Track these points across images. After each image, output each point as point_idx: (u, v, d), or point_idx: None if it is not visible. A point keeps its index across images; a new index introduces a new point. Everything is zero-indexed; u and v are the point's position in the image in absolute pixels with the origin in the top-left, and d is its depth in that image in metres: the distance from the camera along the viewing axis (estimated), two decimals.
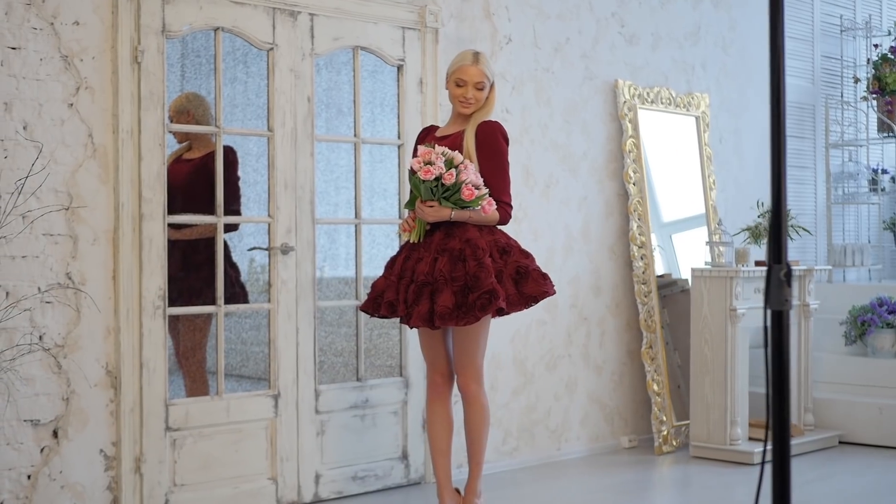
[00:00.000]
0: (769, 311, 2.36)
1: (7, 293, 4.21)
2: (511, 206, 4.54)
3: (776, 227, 2.39)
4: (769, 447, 2.37)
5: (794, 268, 2.17)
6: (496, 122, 4.58)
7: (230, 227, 5.19)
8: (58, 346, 4.34)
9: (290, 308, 5.04)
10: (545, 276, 4.45)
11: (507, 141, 4.57)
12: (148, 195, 4.56)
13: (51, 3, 4.33)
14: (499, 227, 4.54)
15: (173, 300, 4.77)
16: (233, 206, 5.07)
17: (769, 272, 2.37)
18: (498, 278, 4.34)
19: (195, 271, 5.10)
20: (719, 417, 6.15)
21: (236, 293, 5.21)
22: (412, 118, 5.48)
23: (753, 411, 6.59)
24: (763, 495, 2.45)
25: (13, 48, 4.24)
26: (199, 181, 5.04)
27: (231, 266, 5.25)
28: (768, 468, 2.37)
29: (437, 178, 4.31)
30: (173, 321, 5.09)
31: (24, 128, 4.26)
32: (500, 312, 4.37)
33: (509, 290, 4.36)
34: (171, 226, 4.77)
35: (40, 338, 4.29)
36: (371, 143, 5.54)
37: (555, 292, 4.49)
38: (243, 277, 5.48)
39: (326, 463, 5.16)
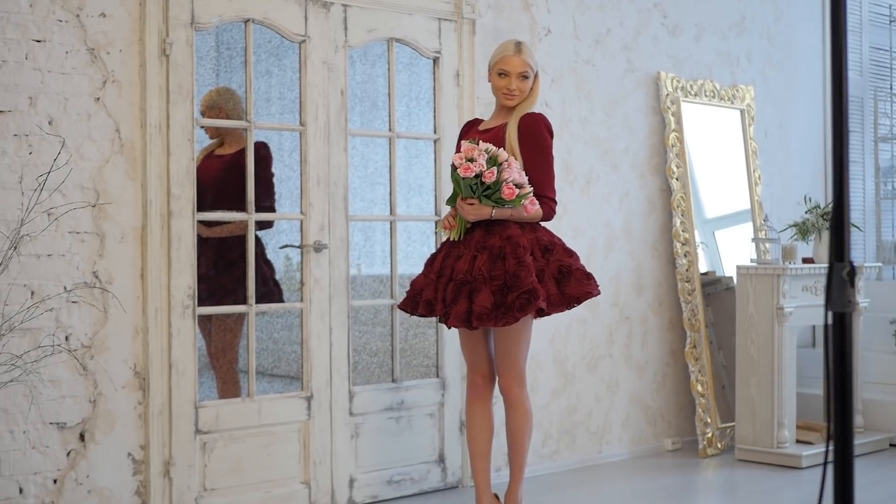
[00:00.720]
0: (830, 313, 2.21)
1: (32, 292, 4.10)
2: (555, 202, 4.37)
3: (838, 223, 2.24)
4: (830, 448, 2.23)
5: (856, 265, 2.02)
6: (540, 113, 4.42)
7: (265, 225, 5.09)
8: (84, 346, 4.23)
9: (323, 307, 4.91)
10: (589, 276, 4.26)
11: (551, 133, 4.40)
12: (177, 191, 4.45)
13: None
14: (542, 223, 4.38)
15: (205, 299, 4.66)
16: (266, 202, 4.95)
17: (831, 270, 2.21)
18: (539, 277, 4.17)
19: (228, 270, 5.01)
20: (766, 419, 5.98)
21: (271, 291, 5.12)
22: (448, 112, 5.33)
23: (801, 413, 6.42)
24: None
25: (38, 41, 4.13)
26: (231, 178, 4.93)
27: (266, 263, 5.16)
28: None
29: (478, 176, 4.15)
30: (205, 321, 4.99)
31: (50, 122, 4.15)
32: (541, 313, 4.19)
33: (550, 289, 4.18)
34: (203, 223, 4.66)
35: (66, 338, 4.18)
36: (406, 138, 5.40)
37: (599, 293, 4.29)
38: (278, 275, 5.37)
39: (361, 466, 5.03)
